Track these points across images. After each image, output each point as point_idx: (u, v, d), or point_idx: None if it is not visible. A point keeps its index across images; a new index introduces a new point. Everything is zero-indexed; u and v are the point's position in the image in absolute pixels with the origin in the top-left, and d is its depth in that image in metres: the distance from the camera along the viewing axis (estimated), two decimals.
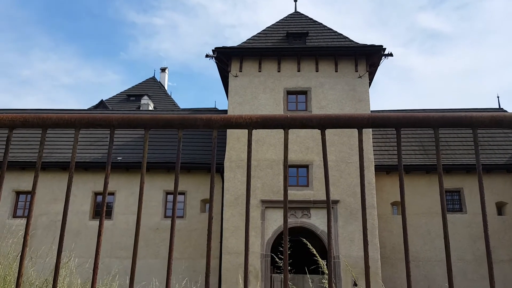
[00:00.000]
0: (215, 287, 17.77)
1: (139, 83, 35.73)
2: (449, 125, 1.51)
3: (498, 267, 17.64)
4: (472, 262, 18.45)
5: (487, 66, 74.34)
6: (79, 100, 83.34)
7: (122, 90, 34.81)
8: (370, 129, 19.79)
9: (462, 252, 18.43)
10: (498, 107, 23.52)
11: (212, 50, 20.17)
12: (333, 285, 1.46)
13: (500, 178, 19.60)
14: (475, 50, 75.52)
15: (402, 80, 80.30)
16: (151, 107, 30.88)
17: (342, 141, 18.73)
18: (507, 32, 73.08)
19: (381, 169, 19.67)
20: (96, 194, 20.37)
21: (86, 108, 29.87)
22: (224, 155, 19.10)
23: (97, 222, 19.42)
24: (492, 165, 19.51)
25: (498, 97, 40.33)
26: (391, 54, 19.75)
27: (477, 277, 17.72)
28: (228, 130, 19.39)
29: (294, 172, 18.77)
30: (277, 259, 6.82)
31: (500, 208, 19.67)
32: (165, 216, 19.88)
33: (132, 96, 33.43)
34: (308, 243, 6.17)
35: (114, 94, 34.59)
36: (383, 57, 19.84)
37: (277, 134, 18.84)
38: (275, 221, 18.17)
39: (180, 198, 20.03)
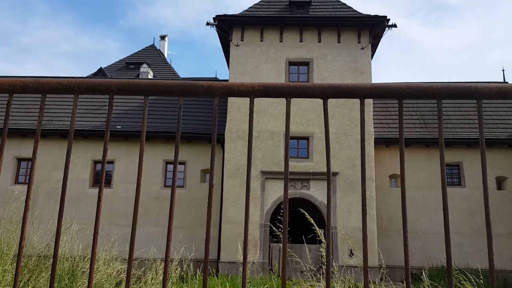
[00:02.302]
0: (214, 255, 18.10)
1: (138, 51, 35.33)
2: (453, 96, 1.49)
3: (495, 240, 17.72)
4: (469, 235, 18.71)
5: (493, 39, 73.33)
6: (78, 68, 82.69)
7: (121, 58, 34.47)
8: (371, 102, 19.71)
9: (459, 225, 18.67)
10: (503, 80, 23.34)
11: (213, 18, 19.85)
12: (330, 254, 1.47)
13: (501, 153, 19.65)
14: (482, 23, 74.31)
15: (405, 53, 79.37)
16: (150, 76, 30.64)
17: (342, 113, 18.68)
18: None
19: (381, 142, 19.70)
20: (96, 162, 20.48)
21: (85, 76, 29.65)
22: (225, 126, 19.09)
23: (96, 190, 19.43)
24: (493, 139, 19.50)
25: (503, 70, 39.64)
26: (395, 25, 19.44)
27: (474, 250, 18.01)
28: (229, 101, 19.31)
29: (295, 144, 18.81)
30: (276, 229, 6.91)
31: (500, 182, 19.80)
32: (165, 186, 20.05)
33: (131, 64, 33.13)
34: (306, 213, 6.24)
35: (113, 62, 34.29)
36: (387, 28, 19.54)
37: (278, 105, 18.78)
38: (275, 192, 18.34)
39: (180, 168, 20.14)
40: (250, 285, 9.20)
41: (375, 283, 5.74)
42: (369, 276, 1.45)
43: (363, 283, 1.40)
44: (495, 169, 19.29)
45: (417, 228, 18.84)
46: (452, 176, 20.01)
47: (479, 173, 19.17)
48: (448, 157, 19.38)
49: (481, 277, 6.15)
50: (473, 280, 5.98)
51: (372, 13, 20.05)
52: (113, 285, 7.69)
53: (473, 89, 1.47)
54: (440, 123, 1.51)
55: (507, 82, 22.96)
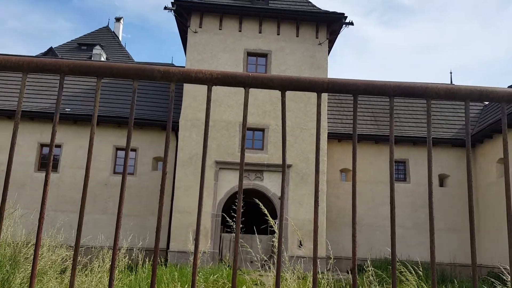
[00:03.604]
0: (164, 244, 17.92)
1: (92, 32, 34.01)
2: (405, 94, 1.55)
3: (435, 235, 18.75)
4: (411, 229, 19.59)
5: (443, 42, 76.61)
6: (27, 46, 78.62)
7: (73, 39, 33.08)
8: (326, 97, 20.11)
9: (403, 219, 19.50)
10: (450, 83, 24.46)
11: (171, 2, 19.43)
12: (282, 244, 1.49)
13: (444, 151, 20.65)
14: (433, 25, 77.38)
15: (359, 51, 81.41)
16: (103, 58, 29.63)
17: (298, 107, 18.93)
18: (465, 9, 75.22)
19: (334, 137, 20.18)
20: (42, 145, 19.66)
21: (34, 55, 28.24)
22: (179, 113, 18.83)
23: (42, 174, 18.84)
24: (438, 138, 20.46)
25: (451, 73, 41.61)
26: (351, 23, 19.86)
27: (415, 243, 18.88)
28: (184, 88, 19.06)
29: (250, 135, 18.89)
30: (228, 219, 6.93)
31: (442, 180, 20.85)
32: (115, 172, 19.58)
33: (83, 45, 31.86)
34: (260, 203, 6.30)
35: (65, 42, 32.84)
36: (344, 25, 19.92)
37: (235, 95, 18.74)
38: (229, 182, 18.36)
39: (131, 154, 19.71)
40: (200, 275, 9.19)
41: (323, 273, 5.90)
42: (318, 266, 1.48)
43: (311, 273, 1.43)
44: (438, 167, 20.27)
45: (363, 221, 19.50)
46: (398, 172, 20.86)
47: (423, 170, 20.12)
48: (395, 154, 20.12)
49: (421, 269, 6.46)
50: (413, 272, 6.29)
51: (331, 10, 20.36)
52: (58, 272, 7.45)
53: (423, 89, 1.53)
54: (391, 120, 1.56)
55: (454, 85, 24.07)
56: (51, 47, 29.58)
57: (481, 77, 75.94)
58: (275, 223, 5.62)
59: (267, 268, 7.19)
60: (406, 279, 6.13)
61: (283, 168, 1.51)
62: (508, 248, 1.48)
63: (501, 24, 73.42)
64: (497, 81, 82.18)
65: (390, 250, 1.49)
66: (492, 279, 8.19)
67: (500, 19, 73.42)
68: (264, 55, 19.79)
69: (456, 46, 75.92)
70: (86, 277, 7.01)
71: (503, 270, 6.42)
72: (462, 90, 1.52)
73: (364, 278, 7.02)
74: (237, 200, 1.48)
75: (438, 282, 13.34)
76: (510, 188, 1.49)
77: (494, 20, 74.34)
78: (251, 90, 1.61)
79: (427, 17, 77.97)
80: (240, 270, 13.94)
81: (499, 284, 6.66)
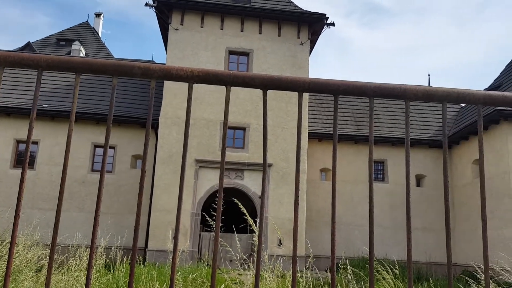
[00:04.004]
0: (142, 243, 17.75)
1: (71, 27, 33.39)
2: (384, 95, 1.57)
3: (412, 234, 19.14)
4: (389, 228, 19.88)
5: (422, 45, 77.87)
6: (3, 41, 76.78)
7: (52, 34, 32.43)
8: (307, 97, 20.23)
9: (381, 219, 19.76)
10: (428, 84, 24.88)
11: None
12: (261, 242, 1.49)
13: (422, 152, 21.01)
14: (412, 28, 78.60)
15: (340, 52, 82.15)
16: (82, 54, 29.15)
17: (279, 106, 18.98)
18: (444, 12, 76.60)
19: (314, 137, 20.32)
20: (19, 142, 19.23)
21: (11, 49, 27.58)
22: (159, 111, 18.67)
23: (18, 171, 18.46)
24: (416, 139, 20.80)
25: (429, 75, 42.40)
26: (333, 24, 20.01)
27: (393, 242, 19.16)
28: (165, 86, 18.90)
29: (231, 134, 18.86)
30: (208, 218, 6.91)
31: (419, 180, 21.22)
32: (92, 170, 19.30)
33: (62, 40, 31.26)
34: (239, 202, 6.29)
35: (43, 37, 32.18)
36: (325, 26, 20.07)
37: (216, 93, 18.67)
38: (209, 180, 18.29)
39: (109, 152, 19.46)
40: (179, 274, 9.14)
41: (302, 271, 5.93)
42: (297, 265, 1.49)
43: (291, 271, 1.44)
44: (416, 167, 20.62)
45: (342, 220, 19.70)
46: (376, 172, 21.14)
47: (401, 170, 20.44)
48: (374, 154, 20.40)
49: (397, 268, 6.56)
50: (390, 270, 6.38)
51: (312, 10, 20.48)
52: (33, 271, 7.31)
53: (402, 90, 1.56)
54: (371, 120, 1.58)
55: (432, 87, 24.50)
56: (29, 41, 28.93)
57: (458, 79, 77.54)
58: (255, 222, 5.62)
59: (246, 267, 7.20)
60: (383, 277, 6.22)
61: (264, 167, 1.52)
62: (482, 247, 1.52)
63: (478, 27, 75.10)
64: (473, 83, 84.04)
65: (368, 249, 1.51)
66: (467, 278, 8.37)
67: (478, 22, 75.09)
68: (246, 54, 19.78)
69: (435, 48, 77.30)
70: (62, 275, 6.90)
71: (477, 269, 6.58)
72: (439, 92, 1.55)
73: (342, 276, 7.09)
74: (217, 199, 1.48)
75: (414, 280, 13.57)
76: (485, 189, 1.53)
77: (472, 23, 75.98)
78: (233, 89, 1.61)
79: (406, 20, 79.18)
80: (220, 269, 13.91)
81: (473, 283, 6.82)
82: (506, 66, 21.14)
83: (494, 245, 15.48)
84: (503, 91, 16.52)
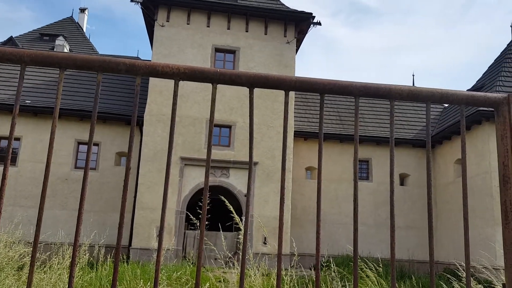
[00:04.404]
0: (126, 241, 17.61)
1: (55, 22, 32.85)
2: (369, 94, 1.58)
3: (395, 232, 19.38)
4: (373, 226, 20.09)
5: (407, 45, 78.68)
6: None
7: (35, 28, 31.87)
8: (294, 95, 20.28)
9: (364, 217, 19.95)
10: (412, 84, 25.17)
11: None
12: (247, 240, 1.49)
13: (406, 151, 21.25)
14: (398, 28, 79.36)
15: (326, 51, 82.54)
16: (66, 50, 28.71)
17: (266, 104, 18.99)
18: (430, 13, 77.49)
19: (300, 135, 20.39)
20: (0, 138, 18.90)
21: None
22: (144, 108, 18.52)
23: (0, 168, 18.12)
24: (400, 139, 21.02)
25: (413, 75, 43.06)
26: (319, 23, 20.09)
27: (376, 241, 19.36)
28: (150, 83, 18.76)
29: (217, 132, 18.81)
30: (192, 216, 6.89)
31: (403, 179, 21.47)
32: (76, 167, 19.07)
33: (46, 35, 30.74)
34: (226, 200, 6.29)
35: (27, 31, 31.61)
36: (312, 25, 20.13)
37: (202, 91, 18.60)
38: (194, 178, 18.22)
39: (93, 149, 19.24)
40: (163, 272, 9.10)
41: (286, 269, 5.96)
42: (282, 263, 1.50)
43: (276, 269, 1.44)
44: (399, 166, 20.85)
45: (327, 219, 19.82)
46: (361, 171, 21.32)
47: (385, 169, 20.65)
48: (359, 153, 20.55)
49: (381, 265, 6.64)
50: (373, 268, 6.45)
51: (299, 9, 20.53)
52: (15, 269, 7.19)
53: (388, 90, 1.57)
54: (356, 120, 1.59)
55: (416, 87, 24.81)
56: (11, 36, 28.40)
57: (442, 80, 78.59)
58: (241, 220, 5.63)
59: (231, 265, 7.20)
60: (366, 275, 6.29)
61: (250, 165, 1.52)
62: (464, 245, 1.54)
63: (463, 28, 76.19)
64: (457, 84, 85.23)
65: (352, 247, 1.53)
66: (448, 275, 8.50)
67: (463, 24, 76.17)
68: (232, 51, 19.74)
69: (420, 49, 78.19)
70: (45, 274, 6.81)
71: (459, 266, 6.68)
72: (424, 92, 1.57)
73: (326, 274, 7.15)
74: (202, 197, 1.47)
75: (397, 278, 13.75)
76: (467, 188, 1.55)
77: (456, 24, 77.04)
78: (219, 87, 1.61)
79: (392, 20, 79.91)
80: (204, 267, 13.89)
81: (455, 280, 6.93)
82: (489, 67, 21.48)
83: (475, 243, 15.75)
84: (485, 92, 16.80)
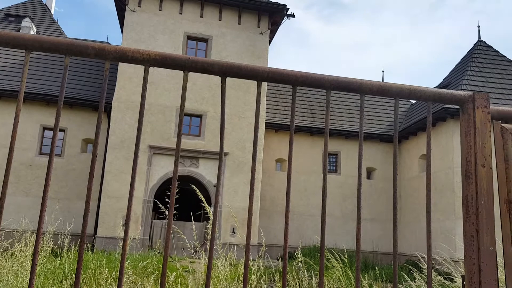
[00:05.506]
0: (91, 230, 17.30)
1: (21, 3, 31.60)
2: (341, 88, 1.60)
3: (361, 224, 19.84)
4: (339, 218, 20.47)
5: (376, 41, 79.87)
6: None
7: (0, 8, 30.58)
8: (266, 86, 20.29)
9: (332, 209, 20.30)
10: (381, 80, 25.63)
11: None
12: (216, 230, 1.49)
13: (373, 146, 21.68)
14: (368, 24, 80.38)
15: (299, 44, 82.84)
16: (33, 32, 27.69)
17: (238, 95, 18.93)
18: (398, 10, 78.83)
19: (271, 127, 20.47)
20: None
21: None
22: (112, 94, 18.14)
23: None
24: (368, 133, 21.43)
25: (383, 71, 43.70)
26: (293, 15, 20.11)
27: (342, 232, 19.76)
28: (119, 69, 18.37)
29: (187, 121, 18.63)
30: (161, 205, 6.82)
31: (370, 173, 21.92)
32: (41, 153, 18.54)
33: (11, 16, 29.54)
34: (197, 189, 6.26)
35: None
36: (285, 17, 20.13)
37: (173, 79, 18.36)
38: (162, 167, 18.03)
39: (59, 135, 18.74)
40: (128, 261, 8.99)
41: (254, 260, 6.00)
42: (250, 253, 1.51)
43: (243, 259, 1.45)
44: (367, 160, 21.28)
45: (295, 210, 20.06)
46: (330, 164, 21.64)
47: (353, 162, 21.03)
48: (328, 146, 20.86)
49: (346, 256, 6.78)
50: (339, 259, 6.59)
51: (273, 0, 20.48)
52: None
53: (358, 84, 1.59)
54: (327, 113, 1.60)
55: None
56: None
57: (409, 77, 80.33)
58: (210, 210, 5.62)
59: (200, 255, 7.18)
60: (332, 265, 6.41)
61: (220, 156, 1.51)
62: (426, 238, 1.59)
63: (430, 26, 77.93)
64: (423, 81, 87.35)
65: (320, 238, 1.55)
66: (410, 267, 8.78)
67: (431, 22, 77.89)
68: (205, 40, 19.54)
69: (388, 45, 79.55)
70: (6, 261, 6.62)
71: (420, 258, 6.91)
72: (393, 88, 1.60)
73: (293, 264, 7.24)
74: (171, 186, 1.46)
75: (361, 268, 14.07)
76: (430, 183, 1.60)
77: (424, 23, 78.73)
78: (190, 75, 1.58)
79: (362, 16, 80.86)
80: (171, 257, 13.82)
81: (416, 271, 7.16)
82: (455, 66, 22.10)
83: (436, 236, 16.30)
84: (451, 90, 17.28)
